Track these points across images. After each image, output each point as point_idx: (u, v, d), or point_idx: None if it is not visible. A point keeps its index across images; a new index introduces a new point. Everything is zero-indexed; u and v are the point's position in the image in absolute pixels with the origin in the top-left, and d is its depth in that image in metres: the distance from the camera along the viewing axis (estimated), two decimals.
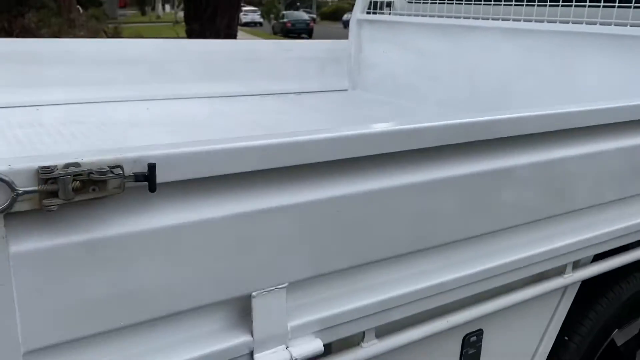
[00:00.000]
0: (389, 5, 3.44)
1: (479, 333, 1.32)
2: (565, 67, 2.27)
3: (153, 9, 39.26)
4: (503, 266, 1.20)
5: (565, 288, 1.48)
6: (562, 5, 2.39)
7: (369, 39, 3.40)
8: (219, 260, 0.83)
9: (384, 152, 0.94)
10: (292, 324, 0.92)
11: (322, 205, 0.90)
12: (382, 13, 3.41)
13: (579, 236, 1.34)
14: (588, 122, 1.23)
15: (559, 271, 1.39)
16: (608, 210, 1.41)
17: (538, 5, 2.51)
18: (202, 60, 2.80)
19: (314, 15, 36.25)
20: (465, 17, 2.88)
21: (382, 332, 1.10)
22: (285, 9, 38.20)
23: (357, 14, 3.43)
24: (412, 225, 1.03)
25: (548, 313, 1.49)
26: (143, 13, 36.85)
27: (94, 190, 0.69)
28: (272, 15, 35.49)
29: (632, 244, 1.56)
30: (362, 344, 1.07)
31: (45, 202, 0.66)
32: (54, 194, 0.66)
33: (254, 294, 0.87)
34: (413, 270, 1.08)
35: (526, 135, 1.15)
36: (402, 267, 1.06)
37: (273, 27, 33.25)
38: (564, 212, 1.29)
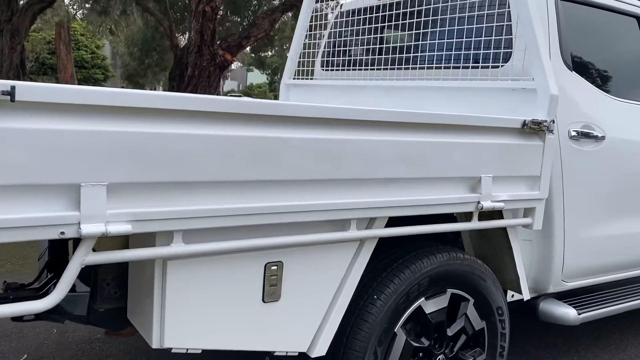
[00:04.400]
0: (312, 72, 4.14)
1: (279, 264, 1.84)
2: (421, 108, 2.91)
3: None
4: (289, 207, 1.73)
5: (361, 243, 2.00)
6: (420, 68, 3.08)
7: (295, 100, 4.07)
8: (54, 155, 1.36)
9: (175, 108, 1.52)
10: (111, 211, 1.45)
11: (130, 135, 1.46)
12: (308, 79, 4.10)
13: (356, 199, 1.88)
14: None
15: (346, 226, 1.92)
16: (383, 185, 1.96)
17: (405, 69, 3.20)
18: None
19: None
20: (358, 79, 3.56)
21: (192, 239, 1.62)
22: None
23: (286, 79, 4.12)
24: (208, 162, 1.58)
25: (345, 263, 2.00)
26: None
27: None
28: None
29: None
30: (171, 244, 1.59)
31: None
32: None
33: (82, 184, 1.41)
34: (213, 195, 1.60)
35: (304, 117, 1.73)
36: (207, 189, 1.59)
37: None
38: (339, 178, 1.83)
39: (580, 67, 2.80)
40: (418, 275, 2.21)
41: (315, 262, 1.93)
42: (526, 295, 2.59)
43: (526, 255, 2.74)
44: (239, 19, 12.17)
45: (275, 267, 1.83)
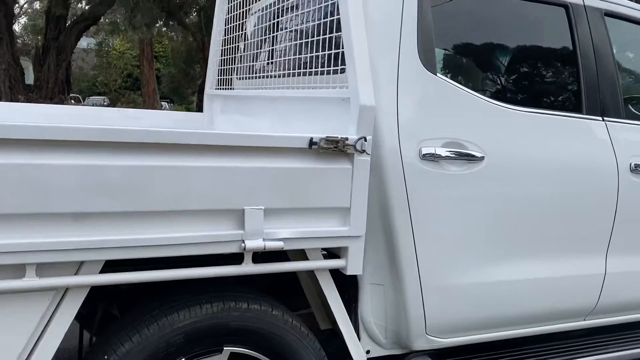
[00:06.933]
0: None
1: None
2: (284, 119, 2.45)
3: None
4: None
5: (64, 293, 1.60)
6: (279, 76, 2.63)
7: (219, 111, 3.72)
8: None
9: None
10: None
11: None
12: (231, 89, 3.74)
13: (29, 239, 1.49)
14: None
15: (20, 274, 1.53)
16: (80, 222, 1.56)
17: (275, 77, 2.76)
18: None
19: None
20: (252, 89, 3.16)
21: None
22: None
23: (207, 89, 3.79)
24: None
25: (33, 318, 1.59)
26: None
27: None
28: None
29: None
30: None
31: None
32: None
33: None
34: None
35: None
36: None
37: None
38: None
39: (453, 69, 2.24)
40: (168, 332, 1.77)
41: None
42: (357, 357, 2.06)
43: (379, 303, 2.20)
44: None
45: None
